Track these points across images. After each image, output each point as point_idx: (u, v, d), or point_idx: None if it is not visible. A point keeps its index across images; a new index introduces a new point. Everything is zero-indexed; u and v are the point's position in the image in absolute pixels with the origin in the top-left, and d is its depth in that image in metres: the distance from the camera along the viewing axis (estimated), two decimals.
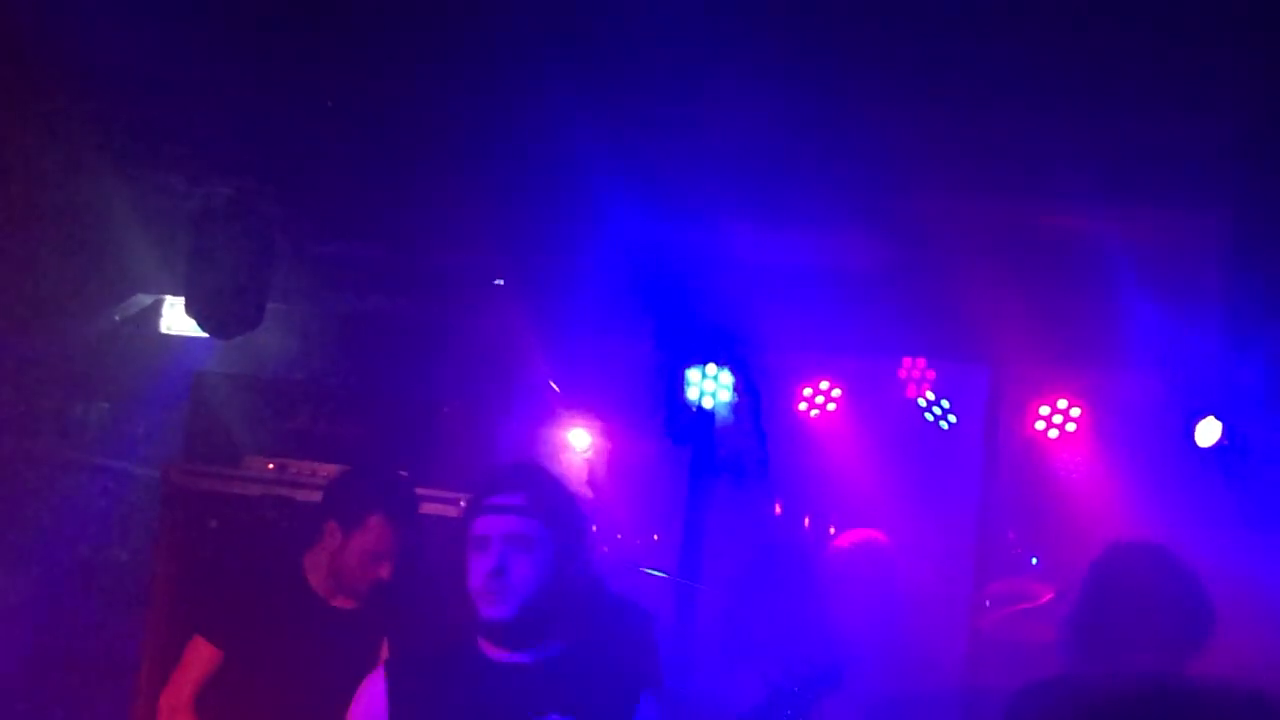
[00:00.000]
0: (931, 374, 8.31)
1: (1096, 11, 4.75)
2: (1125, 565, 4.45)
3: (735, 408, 7.86)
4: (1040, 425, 7.95)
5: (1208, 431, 7.49)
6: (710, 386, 7.72)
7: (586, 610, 4.03)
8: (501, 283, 7.47)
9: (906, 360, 8.30)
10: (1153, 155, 5.54)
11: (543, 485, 3.95)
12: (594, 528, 4.59)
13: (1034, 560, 8.04)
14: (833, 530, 8.02)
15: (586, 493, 4.99)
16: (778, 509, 8.17)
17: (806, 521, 8.29)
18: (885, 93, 5.48)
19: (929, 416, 8.18)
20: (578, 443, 7.82)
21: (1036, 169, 5.86)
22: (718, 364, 7.73)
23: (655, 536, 7.99)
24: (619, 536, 7.90)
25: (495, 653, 3.87)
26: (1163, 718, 4.09)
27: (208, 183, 6.45)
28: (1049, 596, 7.21)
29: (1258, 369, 5.38)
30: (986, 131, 5.72)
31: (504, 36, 5.33)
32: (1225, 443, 7.53)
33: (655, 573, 7.14)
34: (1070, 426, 7.93)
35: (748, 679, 5.53)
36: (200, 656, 5.38)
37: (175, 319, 7.32)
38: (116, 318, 7.30)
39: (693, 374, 7.72)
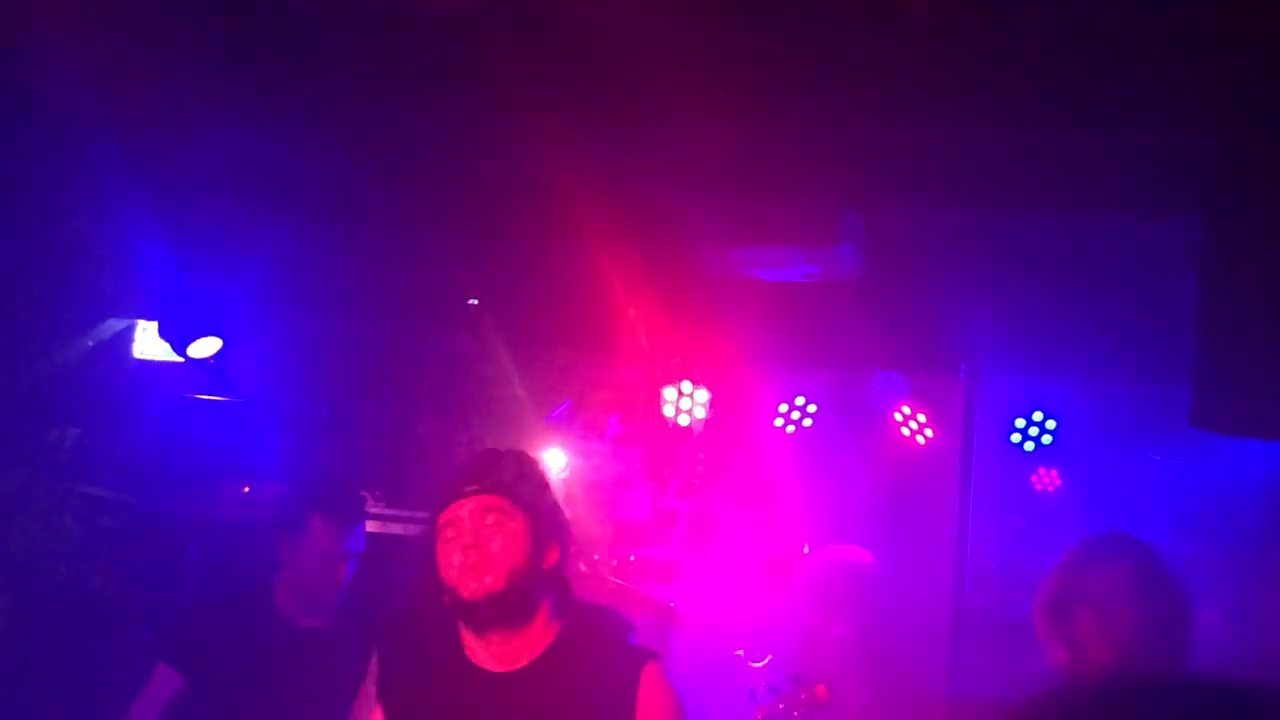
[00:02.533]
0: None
1: (1067, 19, 4.76)
2: (1093, 551, 4.41)
3: (711, 425, 7.86)
4: (1016, 438, 7.96)
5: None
6: (687, 404, 7.72)
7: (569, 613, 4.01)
8: (475, 302, 7.45)
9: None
10: (1127, 163, 5.55)
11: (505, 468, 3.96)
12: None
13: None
14: (806, 549, 8.01)
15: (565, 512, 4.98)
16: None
17: (784, 537, 8.28)
18: (854, 105, 5.48)
19: (906, 430, 8.18)
20: (553, 463, 7.81)
21: (1011, 179, 5.87)
22: (693, 382, 7.73)
23: (632, 557, 7.96)
24: (595, 557, 7.88)
25: (487, 663, 3.87)
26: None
27: (180, 207, 6.43)
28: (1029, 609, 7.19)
29: (1232, 381, 5.38)
30: (958, 142, 5.72)
31: (472, 56, 5.32)
32: (1195, 456, 7.57)
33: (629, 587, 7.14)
34: (1046, 439, 7.94)
35: (734, 697, 5.52)
36: (160, 681, 5.37)
37: (148, 344, 7.29)
38: (89, 343, 7.26)
39: (669, 392, 7.73)
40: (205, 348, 6.56)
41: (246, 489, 6.46)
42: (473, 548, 3.79)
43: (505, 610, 3.82)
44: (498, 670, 3.86)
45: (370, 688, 4.54)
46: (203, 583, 6.03)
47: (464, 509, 3.85)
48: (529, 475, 3.98)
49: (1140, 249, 6.27)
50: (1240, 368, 4.62)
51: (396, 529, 6.52)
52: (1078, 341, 7.01)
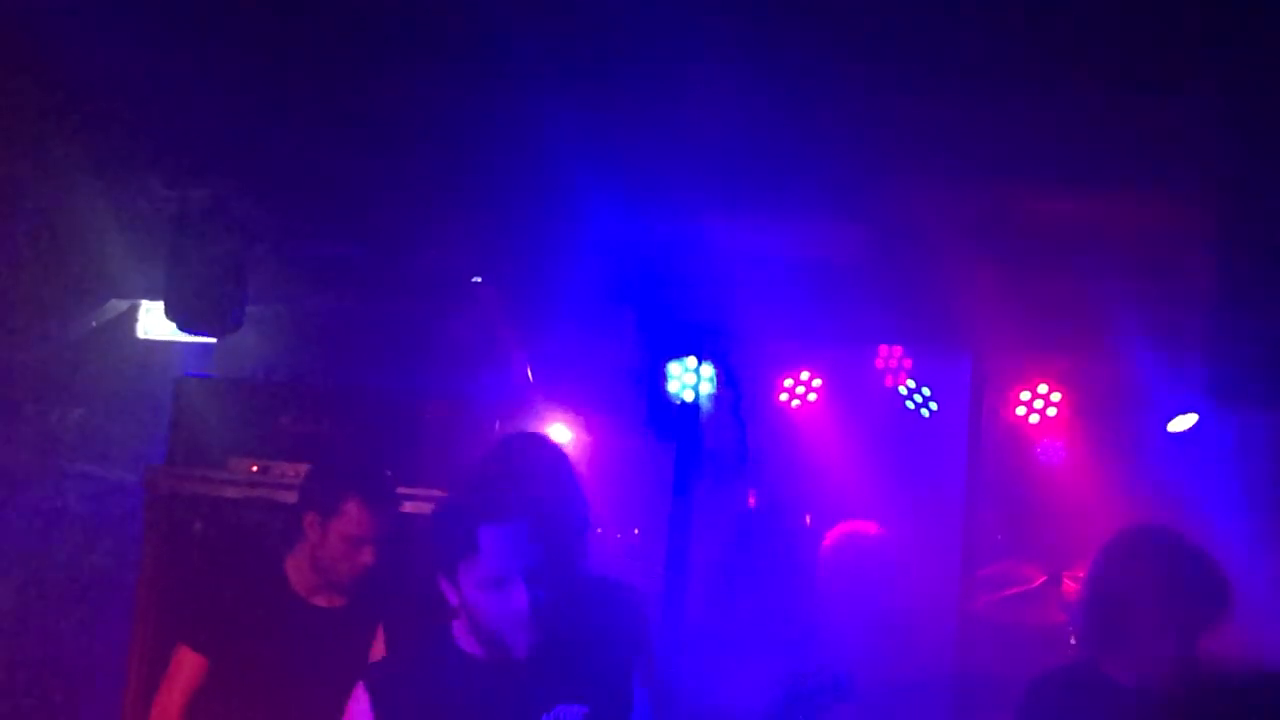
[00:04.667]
0: (908, 362, 8.32)
1: None
2: (1139, 549, 4.46)
3: (716, 400, 7.86)
4: (1021, 411, 7.96)
5: (1183, 418, 7.56)
6: (691, 380, 7.71)
7: (577, 598, 3.97)
8: (480, 280, 7.44)
9: (883, 349, 8.30)
10: (1133, 137, 5.54)
11: (542, 505, 3.80)
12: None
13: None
14: (808, 519, 8.02)
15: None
16: (751, 500, 8.17)
17: (787, 514, 8.29)
18: (860, 81, 5.47)
19: (910, 405, 8.18)
20: (558, 438, 7.80)
21: (1015, 154, 5.87)
22: (698, 357, 7.72)
23: (636, 531, 7.98)
24: (599, 531, 7.88)
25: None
26: (1183, 702, 4.10)
27: (184, 186, 6.41)
28: (1040, 580, 7.23)
29: (1239, 352, 5.40)
30: (963, 118, 5.71)
31: (481, 34, 5.31)
32: (1202, 426, 7.58)
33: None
34: (1051, 411, 7.95)
35: (757, 682, 5.50)
36: (186, 665, 5.37)
37: (152, 324, 7.28)
38: (93, 323, 7.25)
39: (674, 367, 7.72)
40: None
41: (255, 468, 6.44)
42: (534, 614, 3.66)
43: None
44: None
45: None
46: (216, 562, 6.01)
47: (513, 567, 3.70)
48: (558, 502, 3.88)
49: (1146, 222, 6.27)
50: (1256, 341, 4.64)
51: (406, 508, 6.50)
52: (1083, 314, 7.01)
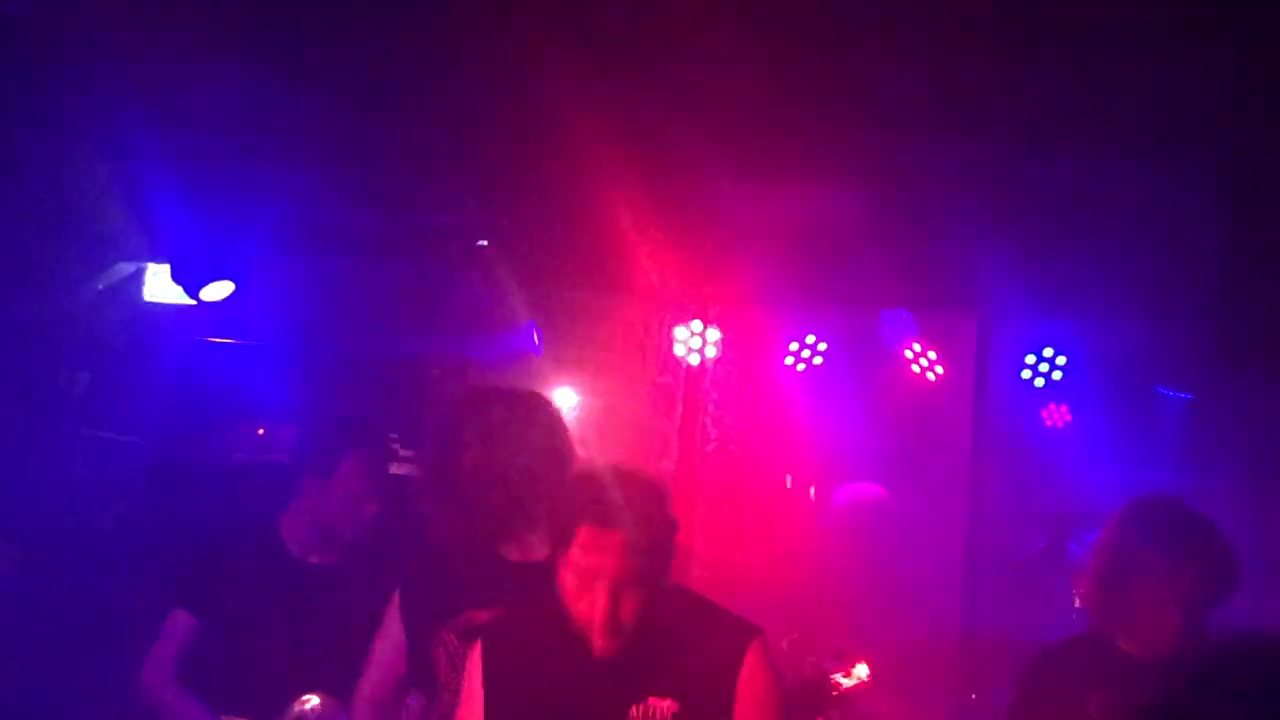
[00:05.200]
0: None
1: None
2: (1147, 521, 4.46)
3: (723, 364, 7.86)
4: (1027, 374, 7.93)
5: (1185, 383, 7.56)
6: (697, 344, 7.71)
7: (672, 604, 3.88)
8: (485, 243, 7.43)
9: (888, 313, 8.28)
10: (1138, 101, 5.53)
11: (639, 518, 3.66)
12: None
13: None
14: (812, 490, 8.02)
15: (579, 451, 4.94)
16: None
17: (789, 478, 8.29)
18: (867, 44, 5.46)
19: (916, 368, 8.15)
20: (564, 402, 7.81)
21: (1022, 117, 5.86)
22: (704, 321, 7.72)
23: None
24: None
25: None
26: (1192, 673, 4.10)
27: (190, 148, 6.40)
28: (1043, 544, 7.23)
29: (1245, 318, 5.40)
30: (968, 81, 5.70)
31: None
32: (1207, 391, 7.58)
33: None
34: (1057, 375, 7.92)
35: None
36: (179, 626, 5.40)
37: (158, 287, 7.27)
38: (100, 286, 7.24)
39: (680, 332, 7.72)
40: (218, 291, 6.53)
41: (261, 431, 6.46)
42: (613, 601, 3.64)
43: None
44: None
45: (394, 623, 4.54)
46: (214, 525, 6.03)
47: (605, 570, 3.66)
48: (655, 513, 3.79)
49: (1153, 186, 6.25)
50: (1261, 307, 4.63)
51: (409, 469, 6.51)
52: (1089, 277, 7.00)
